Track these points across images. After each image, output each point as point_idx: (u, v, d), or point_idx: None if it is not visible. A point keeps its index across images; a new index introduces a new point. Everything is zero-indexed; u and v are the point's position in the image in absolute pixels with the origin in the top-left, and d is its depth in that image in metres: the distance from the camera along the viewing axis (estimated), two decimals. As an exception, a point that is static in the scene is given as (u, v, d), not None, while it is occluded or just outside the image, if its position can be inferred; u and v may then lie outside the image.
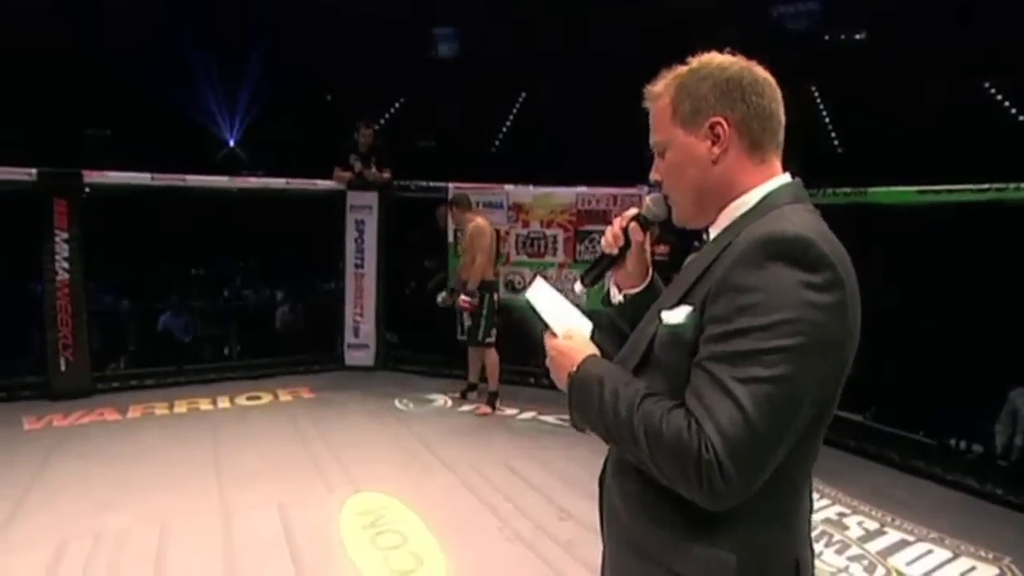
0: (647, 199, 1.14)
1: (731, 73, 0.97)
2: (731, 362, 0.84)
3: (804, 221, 0.90)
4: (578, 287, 1.20)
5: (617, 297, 1.21)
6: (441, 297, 5.07)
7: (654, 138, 1.04)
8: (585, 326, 1.09)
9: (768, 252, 0.85)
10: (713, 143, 0.96)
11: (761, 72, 0.99)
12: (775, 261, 0.84)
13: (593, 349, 1.05)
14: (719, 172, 0.97)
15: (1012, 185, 3.54)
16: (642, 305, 1.13)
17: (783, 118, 0.99)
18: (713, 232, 1.01)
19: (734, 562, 0.90)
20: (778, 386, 0.82)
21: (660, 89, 1.02)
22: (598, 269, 1.19)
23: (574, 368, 1.01)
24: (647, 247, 1.18)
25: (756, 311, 0.83)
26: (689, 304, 0.92)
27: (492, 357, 4.84)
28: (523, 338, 6.31)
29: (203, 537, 2.90)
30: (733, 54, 1.00)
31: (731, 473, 0.81)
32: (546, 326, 1.10)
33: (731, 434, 0.82)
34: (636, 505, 0.99)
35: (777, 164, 0.99)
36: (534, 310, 1.11)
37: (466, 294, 4.70)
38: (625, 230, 1.15)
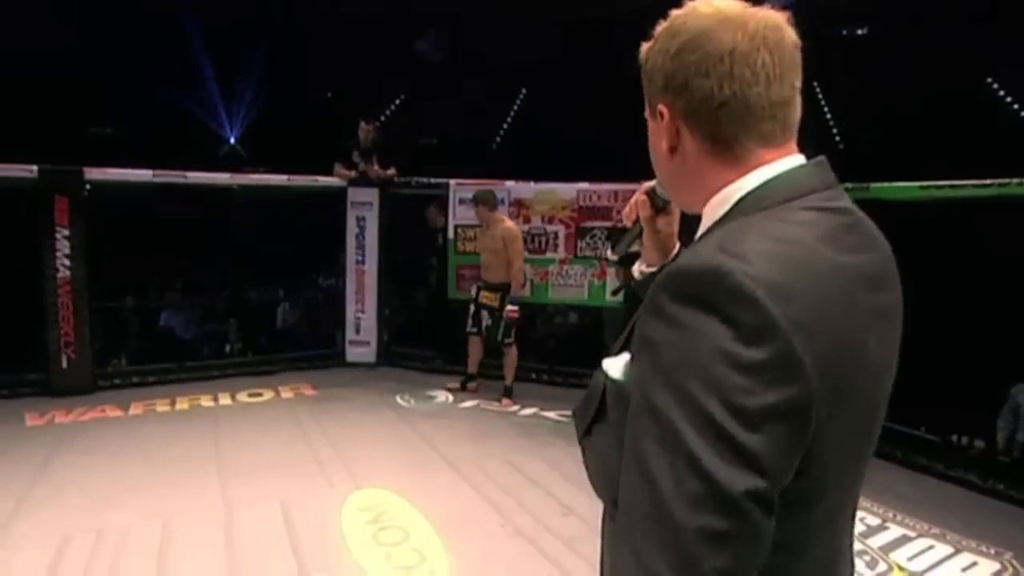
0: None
1: (681, 44, 0.71)
2: (642, 438, 0.61)
3: (761, 239, 0.63)
4: (610, 255, 1.24)
5: (638, 271, 1.10)
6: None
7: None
8: None
9: (670, 292, 0.62)
10: (667, 132, 0.75)
11: (726, 38, 0.69)
12: (683, 305, 0.60)
13: None
14: (681, 165, 0.75)
15: (1015, 180, 3.53)
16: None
17: (777, 95, 0.70)
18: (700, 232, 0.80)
19: None
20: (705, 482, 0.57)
21: (643, 54, 0.79)
22: (624, 240, 1.15)
23: None
24: (657, 224, 1.03)
25: (660, 374, 0.60)
26: (629, 351, 0.70)
27: (512, 354, 4.91)
28: (523, 334, 6.32)
29: (205, 533, 2.90)
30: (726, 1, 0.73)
31: (641, 556, 0.58)
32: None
33: (637, 516, 0.59)
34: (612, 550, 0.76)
35: (765, 154, 0.72)
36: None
37: (511, 303, 4.78)
38: (643, 200, 1.04)
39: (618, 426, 0.68)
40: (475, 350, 5.11)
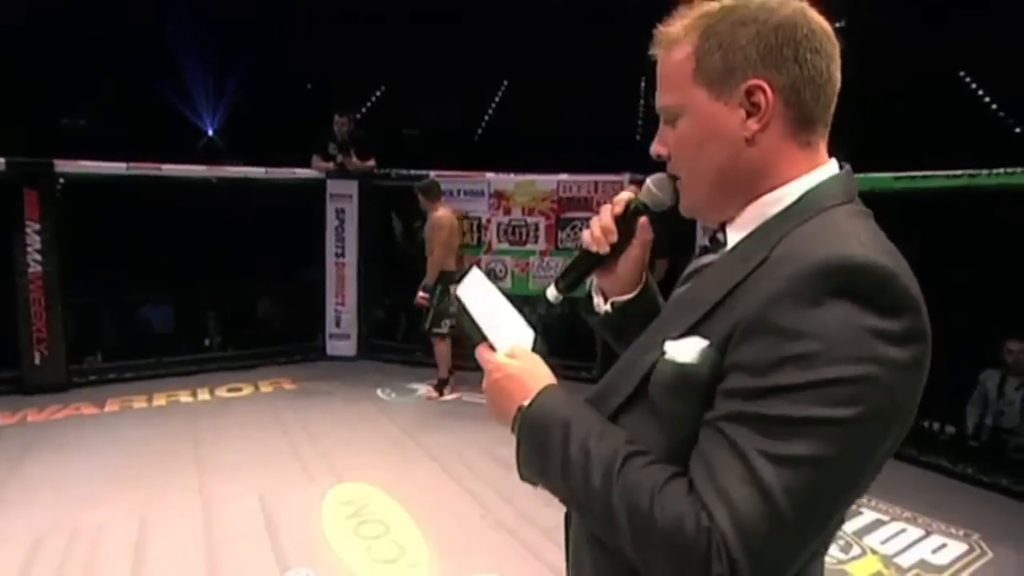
0: (649, 181, 0.86)
1: (782, 18, 0.70)
2: (762, 430, 0.61)
3: (872, 239, 0.67)
4: (551, 293, 0.92)
5: (603, 307, 0.95)
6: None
7: (664, 99, 0.77)
8: (526, 335, 0.85)
9: (829, 285, 0.61)
10: (749, 115, 0.71)
11: (818, 19, 0.72)
12: (838, 298, 0.61)
13: (550, 375, 0.80)
14: (753, 155, 0.72)
15: (984, 171, 3.60)
16: (634, 315, 0.90)
17: (839, 86, 0.73)
18: (733, 233, 0.76)
19: None
20: (823, 471, 0.60)
21: (678, 32, 0.73)
22: (578, 271, 0.92)
23: (526, 402, 0.77)
24: (646, 244, 0.90)
25: (805, 365, 0.60)
26: (703, 337, 0.68)
27: (441, 347, 4.88)
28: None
29: (183, 530, 2.87)
30: None
31: None
32: (481, 334, 0.85)
33: (752, 533, 0.59)
34: (612, 561, 0.74)
35: (824, 148, 0.75)
36: (466, 312, 0.87)
37: (422, 289, 4.72)
38: (619, 221, 0.87)
39: (667, 416, 0.69)
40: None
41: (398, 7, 8.33)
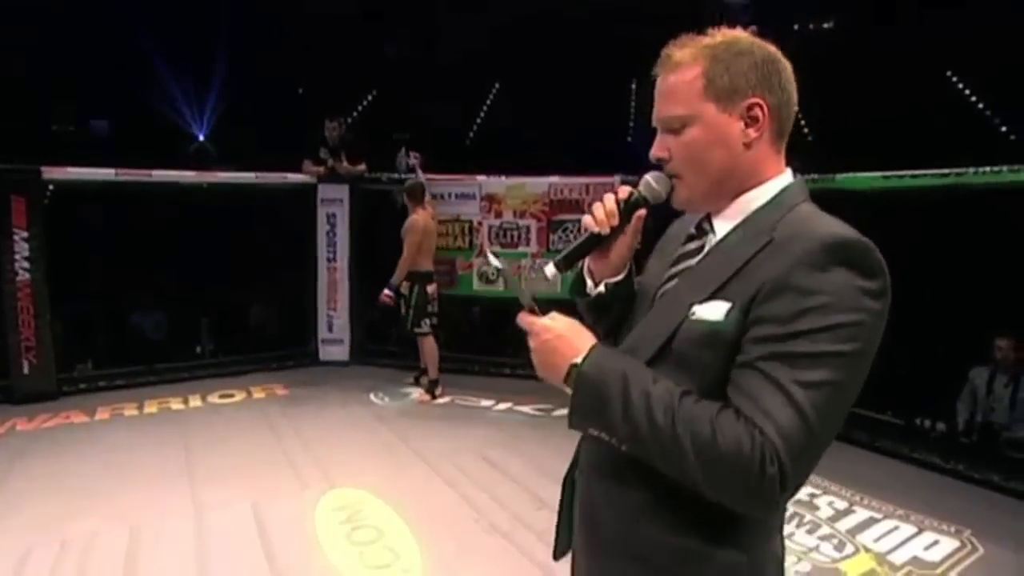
0: (647, 177, 0.99)
1: (767, 53, 0.92)
2: (791, 364, 0.79)
3: (844, 224, 0.87)
4: (550, 270, 1.00)
5: (596, 288, 1.06)
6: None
7: (673, 111, 0.92)
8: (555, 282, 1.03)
9: (832, 256, 0.81)
10: (748, 125, 0.90)
11: (784, 59, 0.94)
12: (839, 265, 0.81)
13: (591, 335, 0.93)
14: (748, 157, 0.91)
15: (971, 170, 3.63)
16: (620, 297, 1.05)
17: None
18: (722, 223, 0.95)
19: (745, 562, 0.89)
20: (835, 391, 0.80)
21: (686, 57, 0.91)
22: (581, 251, 1.02)
23: (579, 358, 0.89)
24: (639, 232, 1.04)
25: (820, 314, 0.79)
26: (726, 300, 0.86)
27: (428, 345, 4.88)
28: (497, 328, 6.32)
29: (174, 538, 2.85)
30: (755, 35, 0.94)
31: (790, 481, 0.78)
32: (526, 301, 0.95)
33: (794, 441, 0.78)
34: (639, 515, 0.92)
35: (783, 156, 0.96)
36: (516, 281, 1.03)
37: (388, 287, 4.71)
38: (622, 206, 1.00)
39: (697, 366, 0.87)
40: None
41: (391, 10, 8.33)
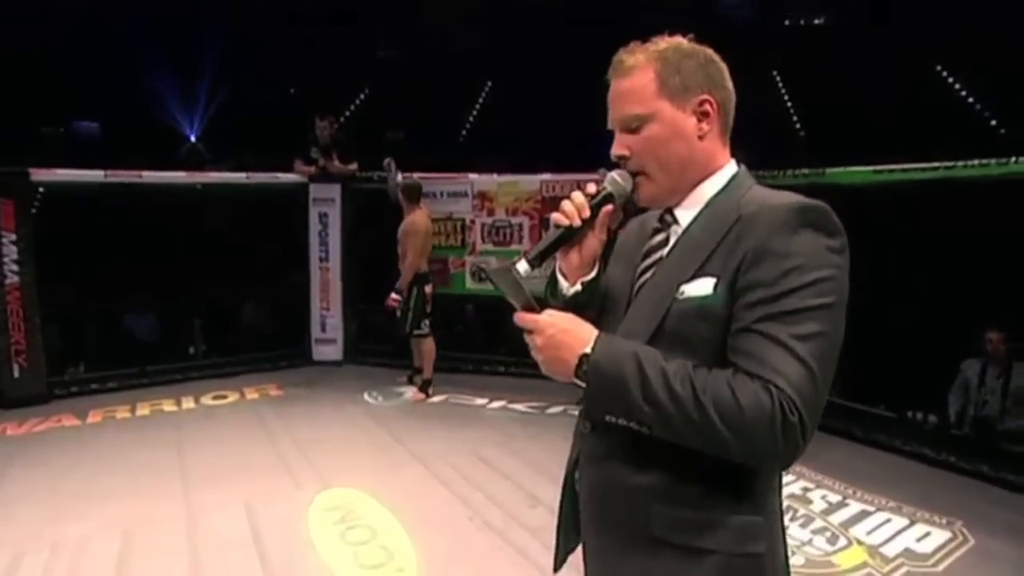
0: (612, 174, 1.03)
1: (709, 56, 1.01)
2: (785, 321, 0.86)
3: (797, 195, 0.95)
4: (522, 266, 0.99)
5: (571, 288, 1.07)
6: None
7: (631, 110, 0.99)
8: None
9: (801, 220, 0.89)
10: (700, 120, 0.99)
11: (721, 60, 1.03)
12: (806, 228, 0.89)
13: (592, 326, 0.96)
14: (702, 148, 0.99)
15: (960, 163, 3.64)
16: (595, 293, 1.07)
17: None
18: (684, 213, 1.02)
19: (761, 523, 0.95)
20: (827, 339, 0.87)
21: (638, 62, 0.99)
22: (552, 246, 1.02)
23: (588, 348, 0.91)
24: (607, 227, 1.06)
25: (800, 272, 0.87)
26: (710, 276, 0.92)
27: (426, 346, 4.87)
28: (491, 327, 6.31)
29: (167, 541, 2.84)
30: (691, 41, 1.02)
31: (809, 427, 0.84)
32: (521, 300, 0.96)
33: (805, 389, 0.84)
34: (653, 497, 0.95)
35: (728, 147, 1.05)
36: (513, 280, 0.96)
37: (395, 291, 4.70)
38: (590, 201, 1.02)
39: (693, 341, 0.92)
40: (414, 346, 5.02)
41: (380, 9, 8.30)
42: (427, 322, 4.80)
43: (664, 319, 0.94)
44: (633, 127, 0.99)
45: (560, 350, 0.93)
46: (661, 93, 0.97)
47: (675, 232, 1.03)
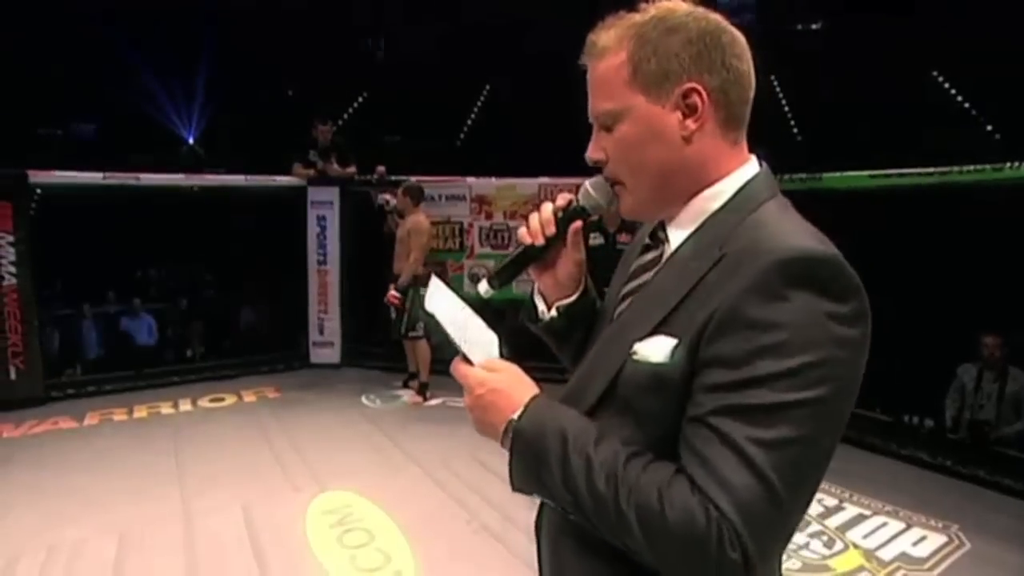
0: (587, 184, 0.87)
1: (707, 26, 0.76)
2: (748, 419, 0.66)
3: (811, 231, 0.73)
4: (483, 287, 0.90)
5: (548, 313, 0.95)
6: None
7: (602, 105, 0.79)
8: (492, 340, 0.86)
9: (791, 278, 0.67)
10: (685, 116, 0.76)
11: (734, 28, 0.78)
12: (799, 289, 0.66)
13: (533, 385, 0.81)
14: (691, 153, 0.76)
15: (955, 168, 3.66)
16: (578, 318, 0.94)
17: (754, 89, 0.80)
18: (676, 232, 0.81)
19: None
20: (806, 447, 0.66)
21: (610, 41, 0.77)
22: (515, 266, 0.90)
23: (516, 414, 0.77)
24: (581, 243, 0.91)
25: (778, 354, 0.65)
26: (670, 335, 0.72)
27: (421, 348, 4.87)
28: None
29: (164, 544, 2.83)
30: (693, 6, 0.78)
31: (754, 560, 0.64)
32: (454, 346, 0.83)
33: (757, 515, 0.64)
34: None
35: (746, 146, 0.81)
36: (439, 326, 0.83)
37: (396, 289, 4.69)
38: (557, 216, 0.88)
39: (643, 415, 0.74)
40: (408, 349, 5.00)
41: (380, 13, 8.32)
42: (422, 325, 4.81)
43: (615, 381, 0.77)
44: (607, 125, 0.80)
45: (488, 412, 0.80)
46: (633, 82, 0.76)
47: (665, 253, 0.83)
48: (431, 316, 0.84)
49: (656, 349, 0.73)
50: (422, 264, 4.81)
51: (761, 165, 0.81)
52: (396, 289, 4.70)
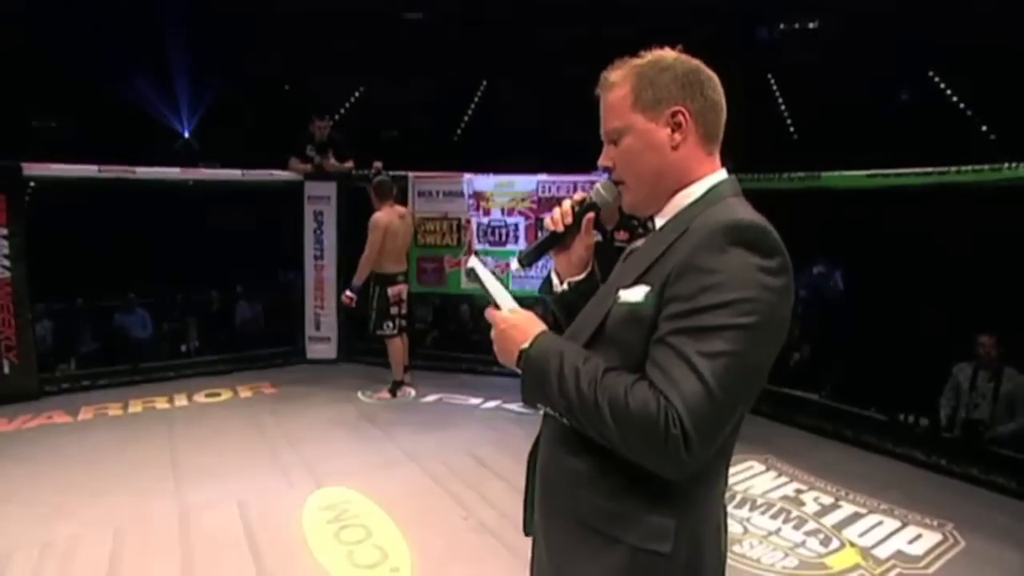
0: (598, 184, 1.14)
1: (690, 67, 1.04)
2: (694, 336, 0.89)
3: (752, 212, 0.98)
4: (513, 265, 1.21)
5: (560, 286, 1.22)
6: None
7: (610, 125, 1.06)
8: (513, 302, 1.10)
9: (730, 238, 0.91)
10: (673, 131, 1.02)
11: (710, 70, 1.05)
12: (736, 246, 0.91)
13: (542, 324, 1.06)
14: (676, 158, 1.02)
15: (952, 168, 3.67)
16: (584, 294, 1.16)
17: (726, 115, 1.07)
18: (660, 220, 1.06)
19: (673, 526, 0.97)
20: (735, 360, 0.88)
21: (618, 78, 1.05)
22: (540, 248, 1.17)
23: (527, 343, 1.02)
24: (592, 232, 1.18)
25: (718, 290, 0.89)
26: (646, 284, 0.97)
27: (393, 347, 4.84)
28: (485, 327, 6.31)
29: (159, 540, 2.82)
30: (681, 52, 1.06)
31: (695, 444, 0.86)
32: (489, 297, 1.10)
33: (695, 405, 0.86)
34: (580, 481, 1.02)
35: (718, 159, 1.06)
36: (480, 281, 1.11)
37: (349, 290, 4.66)
38: (575, 209, 1.15)
39: (623, 344, 0.97)
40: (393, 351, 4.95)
41: (377, 8, 8.28)
42: (391, 324, 4.75)
43: (604, 321, 1.01)
44: (614, 139, 1.06)
45: (507, 342, 1.05)
46: (635, 106, 1.03)
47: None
48: (473, 272, 1.12)
49: (635, 293, 0.98)
50: (390, 262, 4.71)
51: (729, 174, 1.06)
52: (349, 290, 4.65)
